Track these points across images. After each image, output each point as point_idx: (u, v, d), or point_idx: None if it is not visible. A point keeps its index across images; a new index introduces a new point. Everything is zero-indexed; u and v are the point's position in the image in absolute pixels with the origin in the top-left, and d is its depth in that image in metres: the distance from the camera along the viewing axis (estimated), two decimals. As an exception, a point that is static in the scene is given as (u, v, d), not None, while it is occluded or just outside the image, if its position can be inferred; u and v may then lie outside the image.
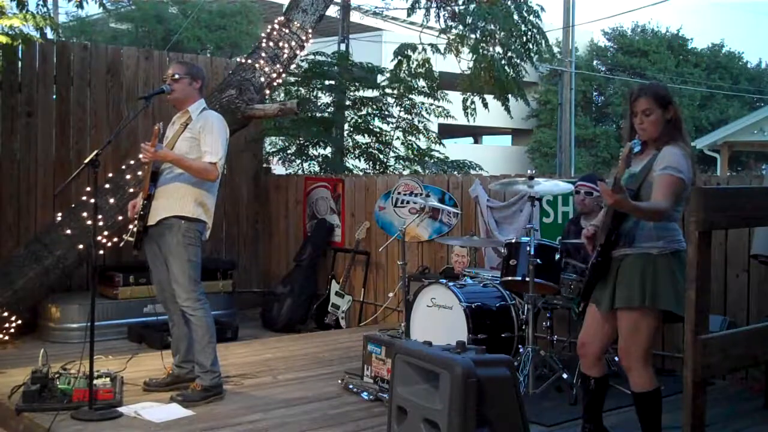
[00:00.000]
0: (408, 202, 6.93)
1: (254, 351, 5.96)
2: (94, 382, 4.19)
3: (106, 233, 6.12)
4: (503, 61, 9.38)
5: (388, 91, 9.27)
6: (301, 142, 9.09)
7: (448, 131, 19.41)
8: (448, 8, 9.64)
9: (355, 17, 15.04)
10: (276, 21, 7.09)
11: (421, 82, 9.25)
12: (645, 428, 3.46)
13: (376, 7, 15.86)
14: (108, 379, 4.48)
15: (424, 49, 9.40)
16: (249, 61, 6.93)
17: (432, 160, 9.44)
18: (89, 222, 5.42)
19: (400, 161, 9.45)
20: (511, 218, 6.13)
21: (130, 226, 4.54)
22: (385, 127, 9.34)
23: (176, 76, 4.52)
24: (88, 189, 5.73)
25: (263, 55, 6.90)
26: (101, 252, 6.29)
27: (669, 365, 5.21)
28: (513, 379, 3.11)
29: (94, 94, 7.31)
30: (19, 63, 6.92)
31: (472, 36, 9.29)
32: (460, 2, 9.70)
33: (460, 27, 9.43)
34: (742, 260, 5.00)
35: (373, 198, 7.35)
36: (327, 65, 9.16)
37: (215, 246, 7.97)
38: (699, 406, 2.53)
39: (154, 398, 4.45)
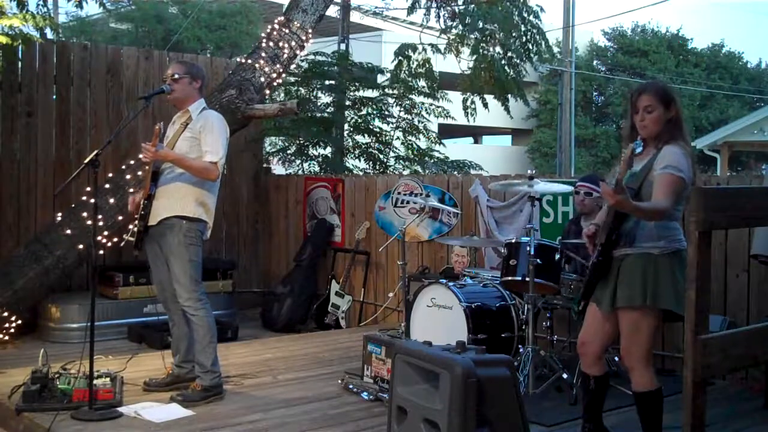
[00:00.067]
0: (408, 202, 6.93)
1: (254, 351, 5.96)
2: (94, 382, 4.19)
3: (106, 233, 6.13)
4: (503, 61, 9.39)
5: (388, 91, 9.27)
6: (301, 142, 9.09)
7: (448, 131, 19.41)
8: (448, 8, 9.64)
9: (355, 17, 15.05)
10: (276, 21, 7.09)
11: (422, 82, 9.25)
12: (646, 428, 3.46)
13: (376, 7, 15.88)
14: (108, 379, 4.48)
15: (424, 49, 9.40)
16: (249, 61, 6.93)
17: (432, 160, 9.44)
18: (89, 222, 5.42)
19: (400, 161, 9.45)
20: (511, 218, 6.13)
21: (131, 226, 4.54)
22: (385, 127, 9.34)
23: (176, 76, 4.52)
24: (88, 189, 5.73)
25: (263, 55, 6.90)
26: (101, 252, 6.29)
27: (669, 365, 5.21)
28: (513, 379, 3.11)
29: (94, 94, 7.31)
30: (19, 63, 6.92)
31: (472, 36, 9.29)
32: (460, 2, 9.70)
33: (460, 27, 9.43)
34: (742, 260, 5.00)
35: (373, 198, 7.35)
36: (327, 65, 9.16)
37: (215, 246, 7.97)
38: (699, 406, 2.53)
39: (154, 398, 4.45)
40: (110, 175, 6.48)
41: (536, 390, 4.52)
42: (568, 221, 5.54)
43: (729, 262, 5.07)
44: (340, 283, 7.34)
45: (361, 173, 9.06)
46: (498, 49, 9.39)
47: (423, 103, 9.29)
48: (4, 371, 5.04)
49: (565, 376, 4.56)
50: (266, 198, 8.54)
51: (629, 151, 3.26)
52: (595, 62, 26.39)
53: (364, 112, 9.27)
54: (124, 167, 6.49)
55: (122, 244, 4.78)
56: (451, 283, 5.02)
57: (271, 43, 6.93)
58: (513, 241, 4.95)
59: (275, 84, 7.26)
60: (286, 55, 6.99)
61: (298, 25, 7.00)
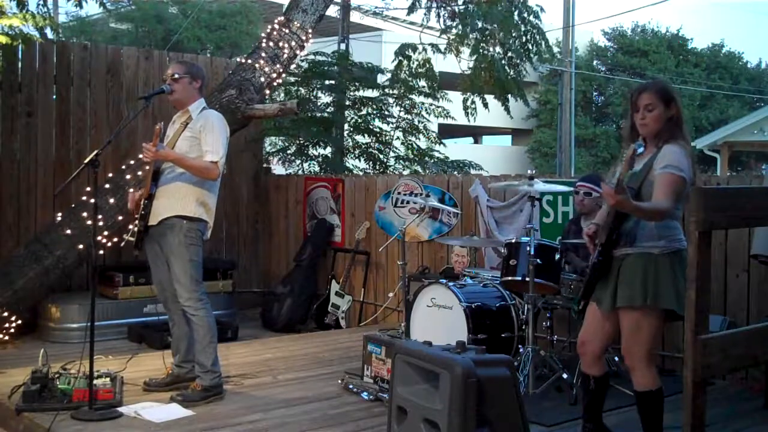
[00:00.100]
0: (408, 202, 6.93)
1: (254, 351, 5.96)
2: (94, 382, 4.19)
3: (106, 233, 6.12)
4: (503, 62, 9.39)
5: (388, 91, 9.27)
6: (301, 142, 9.09)
7: (448, 131, 19.42)
8: (448, 8, 9.64)
9: (355, 17, 15.05)
10: (276, 21, 7.09)
11: (422, 82, 9.25)
12: (646, 428, 3.46)
13: (376, 7, 15.88)
14: (108, 379, 4.48)
15: (424, 49, 9.41)
16: (249, 61, 6.93)
17: (432, 160, 9.44)
18: (89, 222, 5.42)
19: (400, 161, 9.45)
20: (511, 218, 6.13)
21: (131, 226, 4.54)
22: (385, 127, 9.34)
23: (176, 76, 4.52)
24: (88, 189, 5.73)
25: (263, 55, 6.90)
26: (101, 252, 6.29)
27: (669, 365, 5.21)
28: (513, 379, 3.11)
29: (94, 94, 7.31)
30: (19, 63, 6.92)
31: (472, 36, 9.29)
32: (460, 2, 9.70)
33: (460, 27, 9.43)
34: (742, 260, 5.00)
35: (373, 198, 7.35)
36: (327, 65, 9.16)
37: (215, 246, 7.97)
38: (699, 406, 2.53)
39: (154, 398, 4.45)
40: (110, 175, 6.48)
41: (536, 390, 4.52)
42: (568, 221, 5.54)
43: (729, 262, 5.07)
44: (340, 283, 7.34)
45: (361, 173, 9.06)
46: (498, 49, 9.39)
47: (423, 103, 9.29)
48: (4, 371, 5.04)
49: (565, 376, 4.56)
50: (266, 198, 8.54)
51: (631, 151, 3.26)
52: (595, 62, 26.40)
53: (364, 112, 9.28)
54: (124, 167, 6.49)
55: (122, 244, 4.78)
56: (451, 283, 5.02)
57: (271, 43, 6.93)
58: (513, 241, 4.95)
59: (275, 84, 7.26)
60: (286, 55, 6.99)
61: (298, 25, 7.00)
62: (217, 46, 19.19)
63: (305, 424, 4.12)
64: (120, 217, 6.22)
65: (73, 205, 6.42)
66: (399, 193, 7.06)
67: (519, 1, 9.33)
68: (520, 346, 4.92)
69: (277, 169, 9.45)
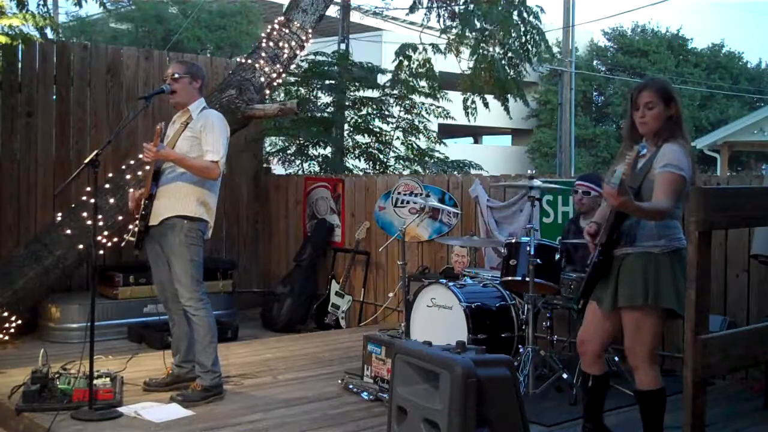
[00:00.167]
0: (408, 202, 6.93)
1: (254, 351, 5.96)
2: (94, 382, 4.19)
3: (106, 233, 6.13)
4: (503, 62, 9.39)
5: (389, 91, 9.27)
6: (301, 142, 9.09)
7: (448, 131, 19.42)
8: (449, 8, 9.65)
9: (355, 17, 15.06)
10: (276, 21, 7.09)
11: (422, 83, 9.25)
12: (647, 428, 3.46)
13: (376, 7, 15.88)
14: (108, 379, 4.48)
15: (424, 49, 9.41)
16: (249, 61, 6.93)
17: (432, 160, 9.44)
18: (89, 222, 5.42)
19: (400, 161, 9.45)
20: (511, 218, 6.13)
21: (131, 226, 4.54)
22: (385, 127, 9.34)
23: (176, 76, 4.52)
24: (88, 189, 5.73)
25: (263, 55, 6.90)
26: (101, 252, 6.29)
27: (669, 365, 5.21)
28: (513, 379, 3.11)
29: (94, 94, 7.31)
30: (19, 63, 6.92)
31: (470, 35, 9.29)
32: (460, 2, 9.70)
33: (460, 27, 9.43)
34: (742, 260, 5.00)
35: (373, 198, 7.35)
36: (327, 65, 9.16)
37: (215, 246, 7.97)
38: (699, 406, 2.53)
39: (154, 398, 4.45)
40: (110, 175, 6.48)
41: (536, 390, 4.52)
42: (568, 221, 5.54)
43: (729, 262, 5.07)
44: (340, 283, 7.34)
45: (361, 173, 9.06)
46: (498, 49, 9.39)
47: (423, 103, 9.29)
48: (4, 371, 5.04)
49: (565, 376, 4.56)
50: (266, 198, 8.54)
51: (634, 153, 3.25)
52: (595, 62, 26.40)
53: (364, 112, 9.28)
54: (124, 167, 6.49)
55: (123, 244, 4.78)
56: (451, 283, 5.02)
57: (271, 43, 6.93)
58: (513, 241, 4.95)
59: (275, 84, 7.26)
60: (286, 55, 6.99)
61: (298, 25, 7.00)
62: (217, 46, 19.19)
63: (305, 424, 4.12)
64: (120, 217, 6.22)
65: (73, 205, 6.42)
66: (399, 193, 7.06)
67: (518, 0, 9.33)
68: (520, 346, 4.92)
69: (277, 169, 9.45)
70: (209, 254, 7.49)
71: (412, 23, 13.45)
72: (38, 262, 6.17)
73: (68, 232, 6.19)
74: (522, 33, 9.40)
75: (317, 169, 9.24)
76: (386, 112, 9.28)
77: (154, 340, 6.11)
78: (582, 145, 23.48)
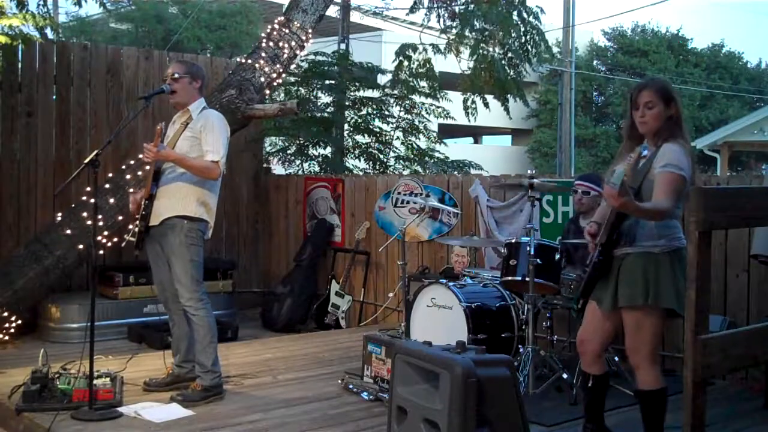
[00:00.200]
0: (408, 202, 6.93)
1: (254, 351, 5.96)
2: (94, 382, 4.19)
3: (106, 233, 6.13)
4: (503, 62, 9.39)
5: (389, 91, 9.27)
6: (301, 142, 9.09)
7: (448, 131, 19.42)
8: (449, 9, 9.65)
9: (355, 17, 15.05)
10: (276, 21, 7.09)
11: (423, 83, 9.25)
12: (647, 427, 3.46)
13: (376, 7, 15.88)
14: (108, 379, 4.48)
15: (425, 49, 9.41)
16: (249, 61, 6.93)
17: (432, 160, 9.44)
18: (89, 222, 5.42)
19: (400, 161, 9.45)
20: (511, 218, 6.14)
21: (131, 226, 4.55)
22: (385, 127, 9.34)
23: (176, 76, 4.52)
24: (88, 189, 5.73)
25: (263, 55, 6.90)
26: (101, 252, 6.29)
27: (669, 365, 5.20)
28: (513, 379, 3.11)
29: (94, 94, 7.31)
30: (19, 63, 6.92)
31: (470, 36, 9.29)
32: (461, 2, 9.71)
33: (460, 27, 9.43)
34: (742, 260, 5.00)
35: (373, 198, 7.35)
36: (327, 65, 9.16)
37: (215, 246, 7.97)
38: (699, 406, 2.53)
39: (154, 398, 4.45)
40: (110, 175, 6.48)
41: (536, 390, 4.52)
42: (568, 221, 5.54)
43: (729, 262, 5.07)
44: (340, 283, 7.34)
45: (361, 173, 9.06)
46: (497, 49, 9.39)
47: (423, 103, 9.29)
48: (4, 371, 5.04)
49: (565, 376, 4.56)
50: (266, 198, 8.54)
51: (636, 154, 3.25)
52: (595, 62, 26.40)
53: (364, 112, 9.28)
54: (124, 167, 6.49)
55: (123, 244, 4.78)
56: (451, 283, 5.02)
57: (271, 43, 6.93)
58: (513, 241, 4.95)
59: (275, 84, 7.26)
60: (286, 55, 6.99)
61: (298, 25, 7.00)
62: (217, 46, 19.19)
63: (305, 424, 4.12)
64: (120, 217, 6.22)
65: (73, 205, 6.42)
66: (399, 193, 7.06)
67: (518, 0, 9.33)
68: (520, 346, 4.92)
69: (277, 169, 9.45)
70: (209, 254, 7.49)
71: (412, 23, 13.45)
72: (38, 262, 6.17)
73: (68, 232, 6.19)
74: (522, 33, 9.40)
75: (317, 169, 9.24)
76: (386, 112, 9.28)
77: (154, 340, 6.11)
78: (582, 145, 23.49)
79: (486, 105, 9.94)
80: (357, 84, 9.21)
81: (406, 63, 9.34)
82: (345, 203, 7.67)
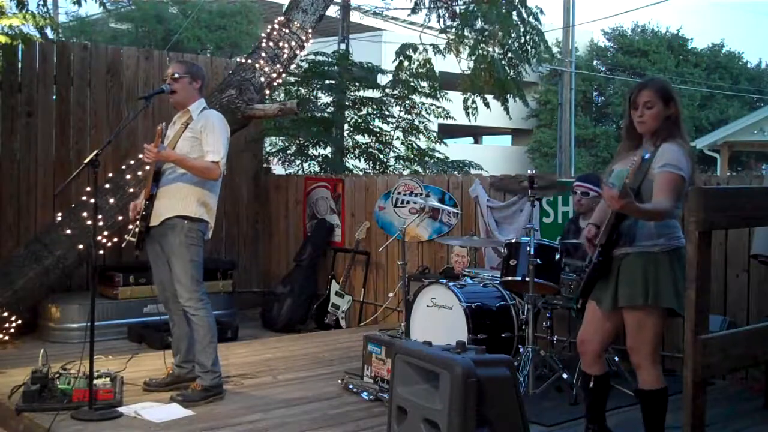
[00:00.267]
0: (408, 202, 6.93)
1: (254, 351, 5.96)
2: (94, 382, 4.19)
3: (106, 233, 6.13)
4: (503, 62, 9.39)
5: (389, 91, 9.27)
6: (301, 142, 9.10)
7: (449, 131, 19.42)
8: (450, 9, 9.65)
9: (355, 17, 15.06)
10: (276, 21, 7.09)
11: (423, 83, 9.25)
12: (648, 427, 3.45)
13: (376, 7, 15.88)
14: (108, 379, 4.48)
15: (425, 49, 9.40)
16: (249, 61, 6.93)
17: (432, 160, 9.44)
18: (89, 222, 5.42)
19: (400, 161, 9.45)
20: (511, 218, 6.14)
21: (131, 226, 4.55)
22: (385, 127, 9.34)
23: (176, 76, 4.52)
24: (88, 189, 5.73)
25: (263, 55, 6.90)
26: (101, 252, 6.29)
27: (669, 365, 5.20)
28: (513, 379, 3.11)
29: (94, 94, 7.31)
30: (19, 63, 6.92)
31: (470, 36, 9.29)
32: (461, 2, 9.70)
33: (460, 27, 9.43)
34: (742, 260, 5.00)
35: (373, 198, 7.35)
36: (327, 65, 9.16)
37: (215, 246, 7.97)
38: (699, 406, 2.53)
39: (154, 398, 4.45)
40: (110, 175, 6.48)
41: (536, 390, 4.52)
42: (568, 221, 5.54)
43: (729, 262, 5.07)
44: (340, 283, 7.34)
45: (361, 173, 9.06)
46: (497, 49, 9.39)
47: (423, 103, 9.29)
48: (4, 371, 5.04)
49: (565, 376, 4.55)
50: (266, 198, 8.54)
51: (639, 158, 3.25)
52: (595, 62, 26.40)
53: (364, 112, 9.28)
54: (124, 167, 6.49)
55: (123, 244, 4.78)
56: (451, 283, 5.02)
57: (271, 43, 6.93)
58: (513, 241, 4.94)
59: (275, 84, 7.26)
60: (286, 55, 6.99)
61: (298, 25, 7.00)
62: (217, 46, 19.19)
63: (305, 424, 4.12)
64: (120, 217, 6.22)
65: (73, 205, 6.42)
66: (399, 193, 7.06)
67: (518, 0, 9.33)
68: (520, 346, 4.92)
69: (277, 169, 9.45)
70: (209, 254, 7.50)
71: (412, 23, 13.45)
72: (38, 262, 6.17)
73: (68, 232, 6.19)
74: (521, 33, 9.40)
75: (317, 169, 9.24)
76: (386, 112, 9.28)
77: (154, 340, 6.11)
78: (582, 145, 23.49)
79: (486, 105, 9.93)
80: (357, 84, 9.21)
81: (406, 63, 9.34)
82: (345, 203, 7.67)
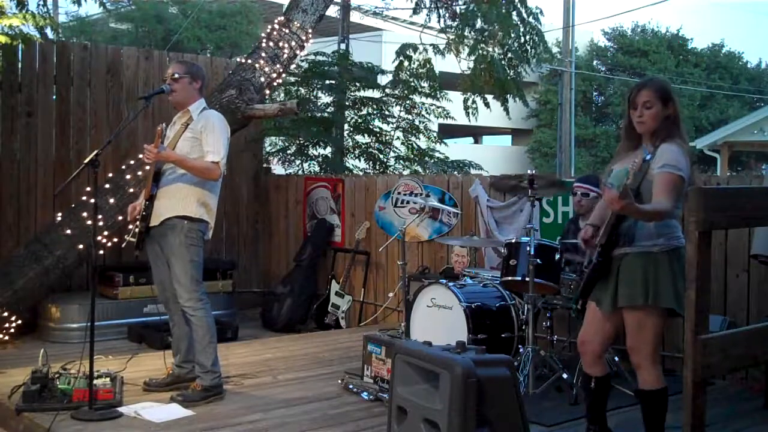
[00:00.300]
0: (408, 202, 6.93)
1: (254, 351, 5.96)
2: (94, 382, 4.19)
3: (106, 233, 6.13)
4: (503, 62, 9.39)
5: (389, 91, 9.27)
6: (301, 142, 9.10)
7: (449, 131, 19.42)
8: (450, 9, 9.65)
9: (355, 17, 15.05)
10: (276, 21, 7.09)
11: (423, 83, 9.25)
12: (648, 427, 3.45)
13: (376, 7, 15.87)
14: (108, 379, 4.48)
15: (425, 50, 9.41)
16: (249, 61, 6.93)
17: (432, 160, 9.44)
18: (89, 222, 5.42)
19: (400, 161, 9.46)
20: (511, 218, 6.14)
21: (131, 227, 4.55)
22: (385, 127, 9.34)
23: (176, 76, 4.52)
24: (88, 189, 5.73)
25: (263, 55, 6.90)
26: (101, 252, 6.29)
27: (669, 365, 5.20)
28: (513, 379, 3.11)
29: (94, 94, 7.31)
30: (19, 63, 6.92)
31: (470, 36, 9.29)
32: (461, 1, 9.70)
33: (460, 27, 9.43)
34: (742, 260, 5.00)
35: (373, 198, 7.35)
36: (327, 65, 9.16)
37: (215, 246, 7.97)
38: (699, 406, 2.53)
39: (154, 398, 4.45)
40: (110, 175, 6.48)
41: (536, 390, 4.52)
42: (568, 221, 5.54)
43: (729, 262, 5.07)
44: (340, 283, 7.34)
45: (361, 173, 9.06)
46: (497, 49, 9.39)
47: (423, 103, 9.29)
48: (4, 371, 5.04)
49: (565, 376, 4.56)
50: (266, 198, 8.54)
51: (640, 159, 3.24)
52: (595, 62, 26.40)
53: (364, 112, 9.28)
54: (124, 167, 6.49)
55: (123, 244, 4.78)
56: (451, 283, 5.02)
57: (271, 43, 6.93)
58: (513, 241, 4.95)
59: (275, 84, 7.26)
60: (286, 55, 6.99)
61: (298, 25, 7.00)
62: (217, 46, 19.19)
63: (305, 424, 4.12)
64: (120, 217, 6.22)
65: (73, 205, 6.42)
66: (399, 193, 7.06)
67: (516, 2, 9.33)
68: (520, 346, 4.92)
69: (277, 169, 9.46)
70: (209, 254, 7.50)
71: (412, 23, 13.45)
72: (38, 262, 6.17)
73: (68, 232, 6.19)
74: (521, 33, 9.40)
75: (317, 169, 9.24)
76: (386, 112, 9.28)
77: (154, 340, 6.11)
78: (582, 145, 23.48)
79: (486, 105, 9.94)
80: (357, 84, 9.21)
81: (406, 63, 9.34)
82: (345, 203, 7.67)
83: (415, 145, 9.46)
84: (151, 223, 4.47)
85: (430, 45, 9.53)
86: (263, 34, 7.13)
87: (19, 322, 6.13)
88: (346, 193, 7.66)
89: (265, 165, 8.86)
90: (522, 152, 25.85)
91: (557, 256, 4.76)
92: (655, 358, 3.42)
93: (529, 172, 5.01)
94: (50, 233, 6.32)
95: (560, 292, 4.83)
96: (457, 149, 18.09)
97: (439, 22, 9.90)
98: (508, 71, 9.46)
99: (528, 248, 4.66)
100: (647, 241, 3.37)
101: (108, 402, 4.22)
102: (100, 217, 5.47)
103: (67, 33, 18.00)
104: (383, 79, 9.49)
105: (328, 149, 9.35)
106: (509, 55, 9.48)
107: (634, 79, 21.39)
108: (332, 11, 11.45)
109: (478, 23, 9.25)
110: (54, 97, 7.13)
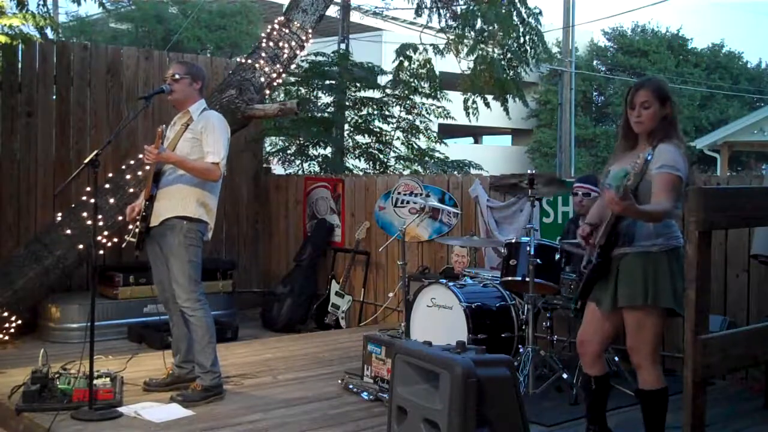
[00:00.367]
0: (408, 202, 6.93)
1: (254, 351, 5.96)
2: (94, 382, 4.19)
3: (106, 233, 6.13)
4: (503, 62, 9.39)
5: (389, 92, 9.27)
6: (301, 142, 9.10)
7: (449, 131, 19.42)
8: (451, 9, 9.65)
9: (355, 17, 15.06)
10: (276, 21, 7.09)
11: (423, 83, 9.24)
12: (648, 427, 3.45)
13: (376, 7, 15.88)
14: (108, 379, 4.48)
15: (425, 50, 9.41)
16: (249, 61, 6.93)
17: (432, 160, 9.44)
18: (89, 222, 5.42)
19: (401, 161, 9.46)
20: (511, 218, 6.14)
21: (131, 227, 4.55)
22: (385, 127, 9.34)
23: (176, 76, 4.52)
24: (88, 189, 5.73)
25: (263, 55, 6.90)
26: (101, 252, 6.29)
27: (669, 365, 5.20)
28: (513, 379, 3.11)
29: (94, 94, 7.31)
30: (19, 63, 6.92)
31: (469, 36, 9.29)
32: (461, 1, 9.70)
33: (460, 27, 9.43)
34: (742, 260, 5.00)
35: (373, 198, 7.35)
36: (327, 65, 9.16)
37: (215, 246, 7.97)
38: (699, 406, 2.53)
39: (154, 398, 4.45)
40: (110, 175, 6.48)
41: (536, 390, 4.52)
42: (568, 221, 5.54)
43: (729, 262, 5.07)
44: (340, 283, 7.34)
45: (361, 173, 9.06)
46: (497, 49, 9.39)
47: (423, 104, 9.29)
48: (4, 371, 5.04)
49: (565, 376, 4.56)
50: (266, 198, 8.54)
51: (642, 160, 3.25)
52: (595, 62, 26.39)
53: (364, 112, 9.28)
54: (124, 167, 6.49)
55: (123, 244, 4.79)
56: (451, 283, 5.02)
57: (271, 43, 6.93)
58: (513, 241, 4.95)
59: (275, 84, 7.26)
60: (286, 55, 6.99)
61: (298, 25, 7.00)
62: (217, 46, 19.19)
63: (305, 424, 4.12)
64: (120, 217, 6.21)
65: (73, 205, 6.42)
66: (399, 193, 7.06)
67: (516, 2, 9.33)
68: (520, 346, 4.92)
69: (277, 169, 9.46)
70: (209, 254, 7.50)
71: (412, 23, 13.44)
72: (38, 262, 6.17)
73: (68, 232, 6.19)
74: (521, 34, 9.40)
75: (317, 169, 9.24)
76: (387, 113, 9.28)
77: (154, 340, 6.11)
78: (582, 145, 23.48)
79: (486, 105, 9.93)
80: (357, 84, 9.21)
81: (406, 63, 9.34)
82: (345, 203, 7.67)
83: (415, 145, 9.46)
84: (151, 224, 4.47)
85: (430, 45, 9.53)
86: (263, 34, 7.13)
87: (19, 322, 6.13)
88: (346, 193, 7.67)
89: (265, 165, 8.86)
90: (522, 152, 25.84)
91: (557, 256, 4.76)
92: (655, 358, 3.43)
93: (529, 171, 5.02)
94: (50, 233, 6.32)
95: (560, 292, 4.83)
96: (457, 149, 18.08)
97: (439, 22, 9.91)
98: (508, 71, 9.46)
99: (528, 248, 4.66)
100: (646, 241, 3.37)
101: (108, 402, 4.22)
102: (100, 217, 5.47)
103: (67, 33, 18.00)
104: (383, 79, 9.49)
105: (328, 149, 9.35)
106: (509, 55, 9.47)
107: (634, 79, 21.33)
108: (332, 11, 11.45)
109: (478, 23, 9.24)
110: (54, 97, 7.13)
